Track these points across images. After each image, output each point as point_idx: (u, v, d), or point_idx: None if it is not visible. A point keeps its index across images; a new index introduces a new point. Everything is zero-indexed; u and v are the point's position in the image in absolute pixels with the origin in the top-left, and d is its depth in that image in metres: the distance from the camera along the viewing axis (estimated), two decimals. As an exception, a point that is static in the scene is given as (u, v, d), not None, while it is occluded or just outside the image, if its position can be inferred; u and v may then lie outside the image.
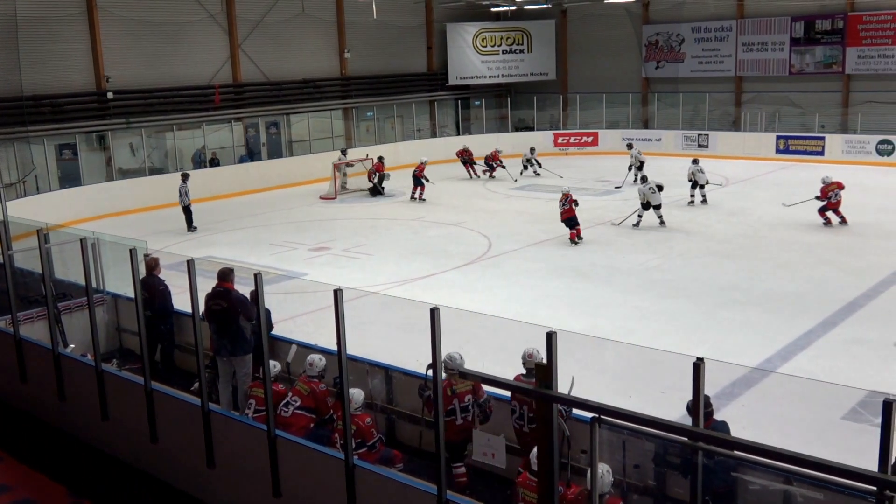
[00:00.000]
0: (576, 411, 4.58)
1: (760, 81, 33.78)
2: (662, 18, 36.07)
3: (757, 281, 15.32)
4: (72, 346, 10.23)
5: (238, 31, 30.69)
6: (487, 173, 28.77)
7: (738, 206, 21.46)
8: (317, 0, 32.81)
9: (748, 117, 33.51)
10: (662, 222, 19.98)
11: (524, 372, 7.24)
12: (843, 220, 19.61)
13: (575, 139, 35.01)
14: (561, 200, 18.79)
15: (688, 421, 4.95)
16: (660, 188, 20.09)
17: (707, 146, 32.31)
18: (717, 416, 6.58)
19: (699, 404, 4.78)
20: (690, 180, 22.76)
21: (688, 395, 4.95)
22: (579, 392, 4.55)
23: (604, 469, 5.56)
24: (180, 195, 21.79)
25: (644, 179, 20.97)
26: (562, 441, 5.87)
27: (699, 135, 33.06)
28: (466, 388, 7.41)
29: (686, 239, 19.00)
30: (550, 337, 4.62)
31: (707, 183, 22.75)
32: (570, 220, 18.65)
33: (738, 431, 6.35)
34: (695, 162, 23.03)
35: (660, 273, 16.16)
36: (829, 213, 19.68)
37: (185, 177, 22.24)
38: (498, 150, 29.06)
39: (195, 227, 21.78)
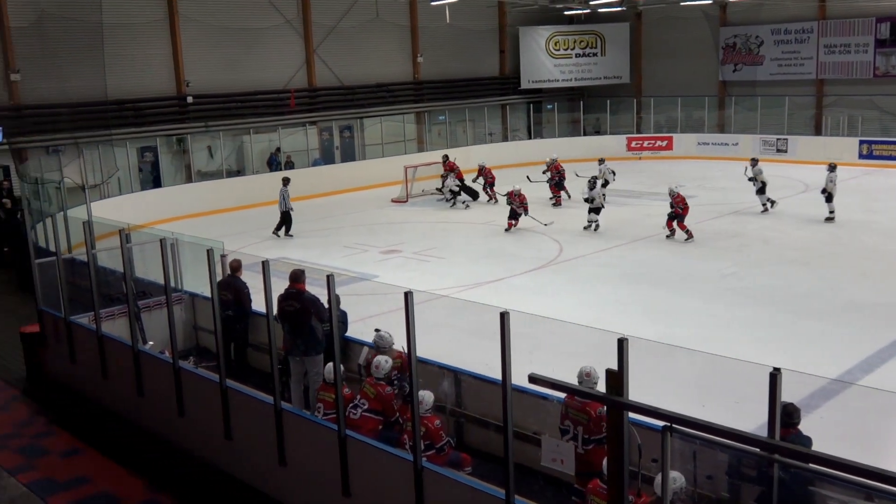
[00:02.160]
0: (647, 419, 4.51)
1: (843, 84, 32.77)
2: (740, 20, 35.33)
3: (837, 290, 14.86)
4: (150, 343, 10.51)
5: (313, 36, 31.16)
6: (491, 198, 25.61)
7: (818, 213, 20.84)
8: (391, 5, 33.10)
9: (829, 121, 32.58)
10: (588, 226, 20.69)
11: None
12: (690, 235, 19.14)
13: (649, 143, 34.55)
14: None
15: (764, 432, 4.83)
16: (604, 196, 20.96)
17: (786, 151, 31.53)
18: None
19: (775, 415, 4.67)
20: (825, 192, 20.55)
21: (764, 407, 4.84)
22: (651, 400, 4.47)
23: (675, 475, 5.49)
24: (282, 199, 21.44)
25: (594, 184, 21.00)
26: (632, 449, 5.80)
27: (778, 139, 32.26)
28: (395, 364, 8.23)
29: (764, 246, 18.55)
30: (622, 343, 4.56)
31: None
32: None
33: (816, 444, 6.17)
34: (832, 169, 20.77)
35: (736, 280, 15.81)
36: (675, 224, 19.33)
37: (285, 181, 21.68)
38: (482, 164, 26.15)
39: (291, 235, 21.47)
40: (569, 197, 24.82)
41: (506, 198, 21.37)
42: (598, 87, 38.56)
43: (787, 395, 4.94)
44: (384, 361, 8.14)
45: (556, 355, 8.34)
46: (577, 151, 31.53)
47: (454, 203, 25.30)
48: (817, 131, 32.94)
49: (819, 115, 33.26)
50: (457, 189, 25.46)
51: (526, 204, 21.07)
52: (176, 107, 28.04)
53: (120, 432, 10.18)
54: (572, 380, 6.79)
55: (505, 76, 38.36)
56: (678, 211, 19.24)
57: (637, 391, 4.70)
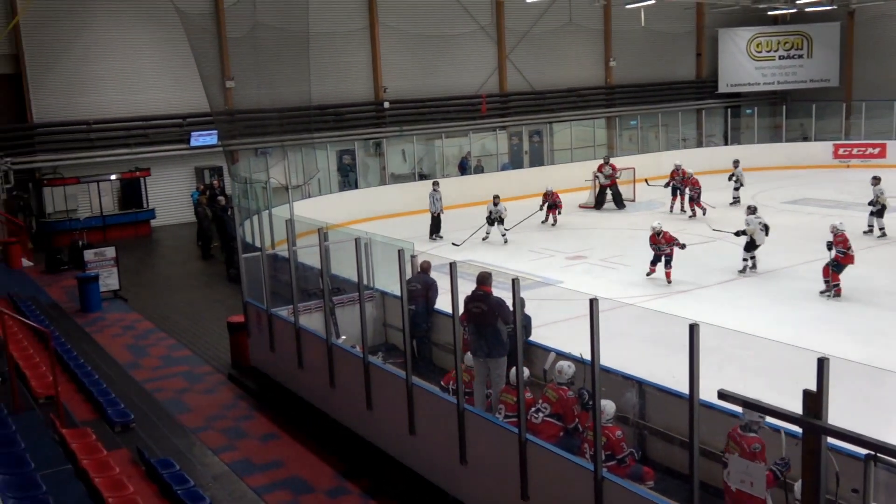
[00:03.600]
0: (850, 447, 4.23)
1: None
2: (970, 17, 32.37)
3: None
4: (343, 337, 10.98)
5: (506, 41, 31.50)
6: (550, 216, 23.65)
7: None
8: (584, 9, 32.89)
9: None
10: (754, 266, 16.80)
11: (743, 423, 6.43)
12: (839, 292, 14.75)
13: (858, 150, 32.29)
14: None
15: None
16: (766, 228, 16.81)
17: None
18: None
19: None
20: None
21: None
22: (853, 426, 4.19)
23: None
24: (431, 202, 22.21)
25: (754, 210, 17.17)
26: (829, 477, 5.46)
27: None
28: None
29: None
30: (822, 363, 4.32)
31: None
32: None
33: None
34: None
35: (955, 301, 14.49)
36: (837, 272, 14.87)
37: (435, 184, 22.64)
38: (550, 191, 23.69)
39: (440, 237, 22.00)
40: (703, 211, 23.12)
41: (652, 244, 16.70)
42: (804, 90, 36.51)
43: None
44: (567, 366, 8.10)
45: (747, 372, 8.00)
46: (778, 158, 30.00)
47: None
48: None
49: None
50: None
51: (667, 246, 16.52)
52: (373, 111, 29.21)
53: (313, 421, 10.72)
54: (767, 399, 6.46)
55: (701, 80, 37.15)
56: (839, 257, 14.89)
57: (837, 415, 4.43)
